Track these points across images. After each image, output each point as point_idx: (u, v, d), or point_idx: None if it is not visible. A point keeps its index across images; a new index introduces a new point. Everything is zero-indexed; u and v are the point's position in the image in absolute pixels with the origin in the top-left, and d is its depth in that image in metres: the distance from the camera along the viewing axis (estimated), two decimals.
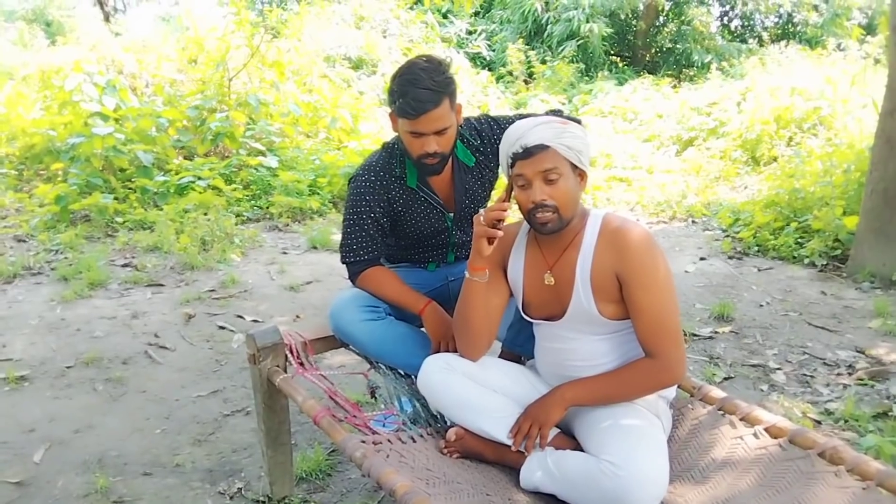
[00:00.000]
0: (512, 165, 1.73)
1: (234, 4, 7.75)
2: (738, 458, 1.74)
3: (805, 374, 3.20)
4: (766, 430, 1.78)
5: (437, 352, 2.03)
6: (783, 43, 12.69)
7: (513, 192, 1.78)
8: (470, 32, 13.97)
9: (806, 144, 6.93)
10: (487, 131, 2.17)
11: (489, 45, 13.94)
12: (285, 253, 5.12)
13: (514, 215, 1.76)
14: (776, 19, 14.56)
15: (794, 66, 9.27)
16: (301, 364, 2.10)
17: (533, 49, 13.48)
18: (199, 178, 5.99)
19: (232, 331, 3.65)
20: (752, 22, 14.86)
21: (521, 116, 2.19)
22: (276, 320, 3.80)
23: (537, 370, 1.97)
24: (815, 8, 13.51)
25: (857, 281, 4.35)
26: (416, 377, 1.94)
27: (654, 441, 1.65)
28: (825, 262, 4.68)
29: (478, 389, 1.82)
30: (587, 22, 13.10)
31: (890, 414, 2.78)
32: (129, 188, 6.15)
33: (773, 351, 3.46)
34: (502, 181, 2.43)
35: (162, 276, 4.51)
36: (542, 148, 1.67)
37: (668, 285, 1.71)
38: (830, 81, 7.77)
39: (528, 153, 1.67)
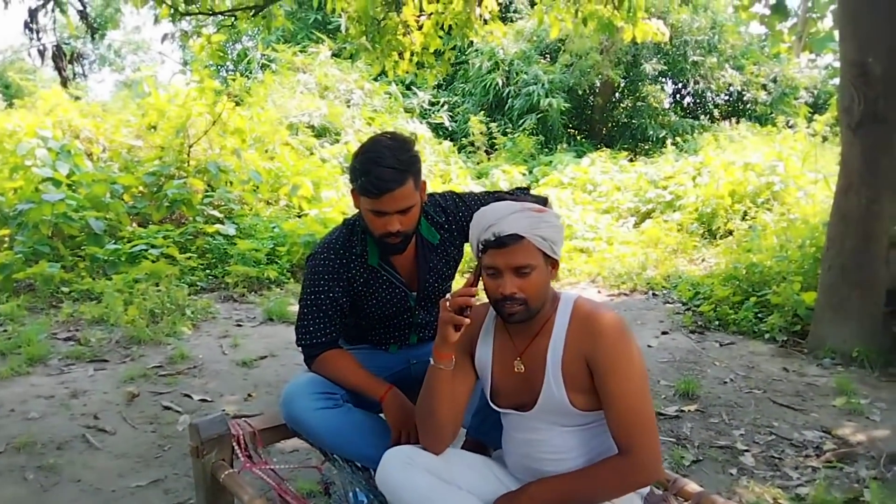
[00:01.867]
0: (483, 251, 1.66)
1: (196, 73, 7.72)
2: None
3: (773, 456, 3.13)
4: None
5: (398, 443, 1.90)
6: (734, 120, 13.19)
7: (480, 276, 1.71)
8: (433, 104, 14.22)
9: (761, 219, 7.08)
10: (452, 208, 2.11)
11: (451, 117, 14.19)
12: (239, 325, 4.94)
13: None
14: (727, 97, 15.19)
15: (746, 142, 9.59)
16: (249, 457, 1.94)
17: (494, 121, 13.77)
18: (153, 247, 5.81)
19: (178, 411, 3.44)
20: (703, 99, 15.47)
21: (489, 195, 2.14)
22: (226, 399, 3.61)
23: (504, 462, 1.86)
24: (764, 87, 14.14)
25: (818, 357, 4.35)
26: (374, 471, 1.80)
27: None
28: (785, 338, 4.69)
29: (442, 487, 1.69)
30: (546, 96, 13.47)
31: (861, 499, 2.71)
32: (79, 256, 5.93)
33: (739, 431, 3.39)
34: (468, 256, 2.36)
35: (106, 350, 4.28)
36: (517, 239, 1.60)
37: (641, 374, 1.64)
38: (782, 157, 8.03)
39: (500, 243, 1.61)
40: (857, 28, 4.20)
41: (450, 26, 7.14)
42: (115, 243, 5.95)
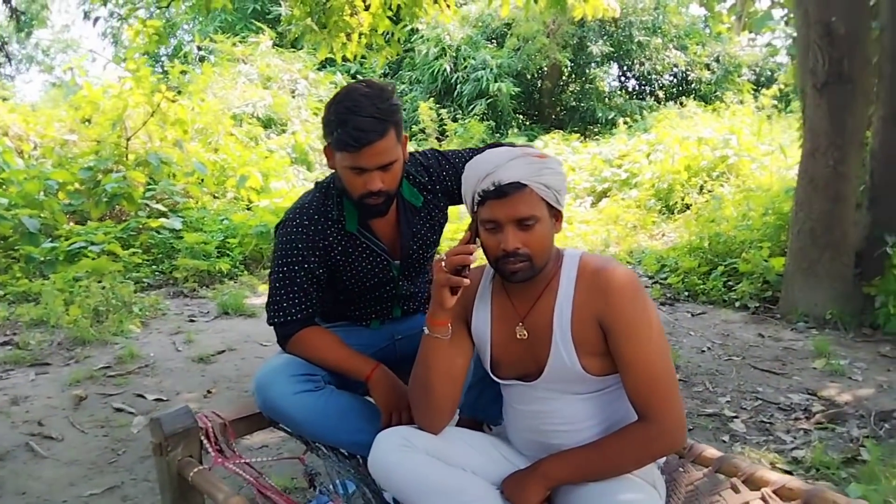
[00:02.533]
0: (481, 203, 1.47)
1: (132, 63, 7.29)
2: None
3: (763, 421, 3.05)
4: (776, 492, 1.56)
5: (389, 425, 1.71)
6: (680, 100, 13.30)
7: (477, 233, 1.52)
8: None
9: (718, 191, 7.09)
10: (436, 167, 1.91)
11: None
12: (192, 320, 4.64)
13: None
14: (671, 78, 15.32)
15: (697, 118, 9.64)
16: (220, 451, 1.72)
17: (444, 107, 13.58)
18: (92, 244, 5.43)
19: (131, 413, 3.16)
20: (649, 80, 15.56)
21: (474, 151, 1.96)
22: (183, 397, 3.34)
23: (508, 438, 1.69)
24: (708, 67, 14.30)
25: (791, 322, 4.32)
26: (363, 458, 1.61)
27: None
28: (757, 305, 4.65)
29: (444, 469, 1.50)
30: (495, 81, 13.36)
31: (859, 458, 2.65)
32: (13, 257, 5.52)
33: (725, 398, 3.31)
34: (454, 219, 2.16)
35: (48, 353, 3.95)
36: (519, 188, 1.42)
37: (659, 334, 1.49)
38: (735, 130, 8.07)
39: (501, 192, 1.42)
40: None
41: (398, 6, 6.93)
42: (51, 242, 5.56)
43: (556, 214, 1.53)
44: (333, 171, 1.78)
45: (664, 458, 1.68)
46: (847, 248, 4.21)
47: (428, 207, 1.90)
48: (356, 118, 1.60)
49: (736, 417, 3.09)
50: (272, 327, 1.83)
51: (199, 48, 14.49)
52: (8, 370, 3.71)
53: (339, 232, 1.80)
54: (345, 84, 10.04)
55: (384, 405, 1.74)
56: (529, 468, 1.53)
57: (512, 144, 1.69)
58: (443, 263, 1.48)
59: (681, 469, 1.72)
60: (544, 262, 1.50)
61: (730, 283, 5.00)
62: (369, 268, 1.85)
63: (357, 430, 1.73)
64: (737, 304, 4.73)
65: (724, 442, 2.86)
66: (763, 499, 1.56)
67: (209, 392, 3.44)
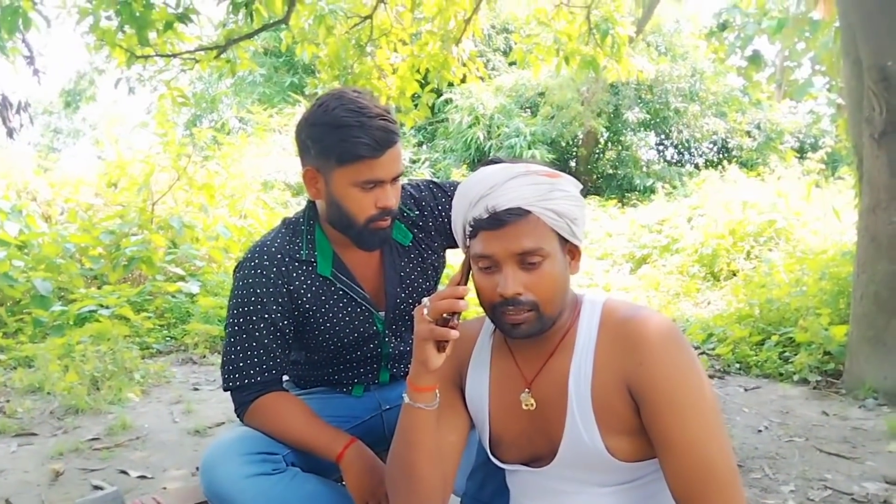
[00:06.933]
0: (472, 235, 1.15)
1: (161, 125, 7.30)
2: None
3: None
4: None
5: None
6: (720, 167, 12.96)
7: (471, 273, 1.19)
8: (413, 161, 13.93)
9: (766, 256, 6.64)
10: (429, 200, 1.59)
11: (433, 174, 13.87)
12: (196, 389, 4.32)
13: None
14: (710, 145, 15.00)
15: (740, 184, 9.25)
16: None
17: None
18: (104, 307, 5.22)
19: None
20: (688, 148, 15.27)
21: None
22: (169, 475, 2.99)
23: None
24: (748, 133, 13.97)
25: (858, 398, 3.82)
26: None
27: None
28: (818, 379, 4.16)
29: None
30: (529, 148, 13.23)
31: None
32: (24, 321, 5.34)
33: (788, 487, 2.83)
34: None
35: (37, 422, 3.65)
36: (520, 215, 1.11)
37: (712, 406, 1.11)
38: (781, 194, 7.66)
39: (497, 221, 1.10)
40: (871, 30, 3.83)
41: (426, 70, 6.87)
42: (63, 305, 5.37)
43: (572, 250, 1.19)
44: (319, 199, 1.48)
45: None
46: None
47: (419, 248, 1.57)
48: (371, 120, 1.33)
49: None
50: (228, 392, 1.50)
51: (239, 119, 14.77)
52: None
53: (309, 275, 1.48)
54: None
55: (358, 492, 1.38)
56: None
57: (517, 160, 1.37)
58: (425, 311, 1.15)
59: None
60: (556, 311, 1.15)
61: (786, 354, 4.52)
62: (347, 320, 1.51)
63: None
64: (795, 377, 4.24)
65: None
66: None
67: (199, 469, 3.09)
